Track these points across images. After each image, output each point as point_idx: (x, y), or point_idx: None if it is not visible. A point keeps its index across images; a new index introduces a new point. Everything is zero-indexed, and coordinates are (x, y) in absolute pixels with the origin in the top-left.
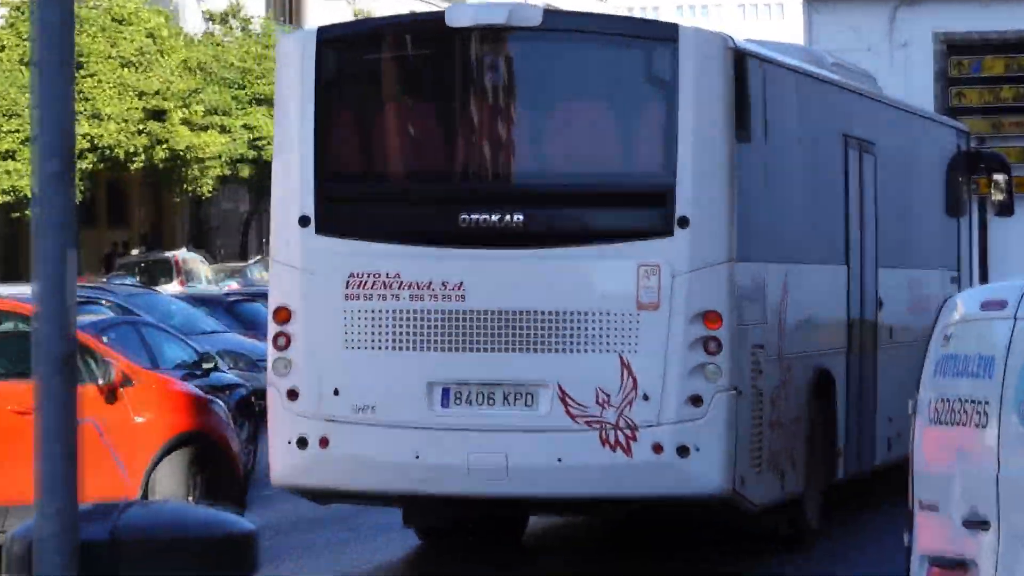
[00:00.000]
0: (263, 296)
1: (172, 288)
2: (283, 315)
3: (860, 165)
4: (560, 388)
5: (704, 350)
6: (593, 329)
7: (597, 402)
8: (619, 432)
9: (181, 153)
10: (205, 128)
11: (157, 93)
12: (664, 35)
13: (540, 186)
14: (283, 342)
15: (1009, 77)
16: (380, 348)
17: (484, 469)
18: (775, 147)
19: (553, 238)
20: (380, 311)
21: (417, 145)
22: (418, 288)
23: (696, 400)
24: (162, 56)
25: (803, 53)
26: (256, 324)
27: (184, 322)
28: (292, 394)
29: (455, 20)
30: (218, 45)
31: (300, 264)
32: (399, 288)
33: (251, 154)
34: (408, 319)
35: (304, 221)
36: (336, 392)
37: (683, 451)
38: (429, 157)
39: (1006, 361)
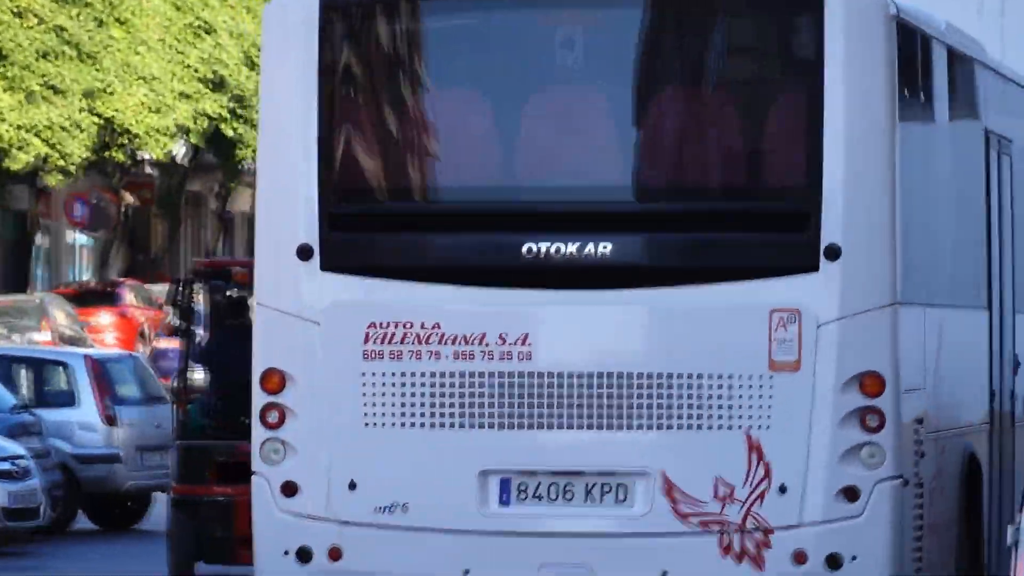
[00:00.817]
0: None
1: None
2: (274, 381)
3: (1000, 173)
4: (665, 478)
5: (861, 426)
6: (709, 398)
7: (716, 496)
8: (747, 536)
9: None
10: None
11: None
12: (804, 1)
13: (634, 206)
14: (275, 417)
15: None
16: (413, 425)
17: None
18: (931, 155)
19: (652, 275)
20: (413, 374)
21: (461, 150)
22: (466, 343)
23: (851, 493)
24: None
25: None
26: None
27: None
28: (289, 488)
29: None
30: None
31: (299, 311)
32: (439, 343)
33: None
34: (452, 385)
35: (305, 253)
36: (352, 486)
37: (833, 562)
38: (479, 165)
39: None
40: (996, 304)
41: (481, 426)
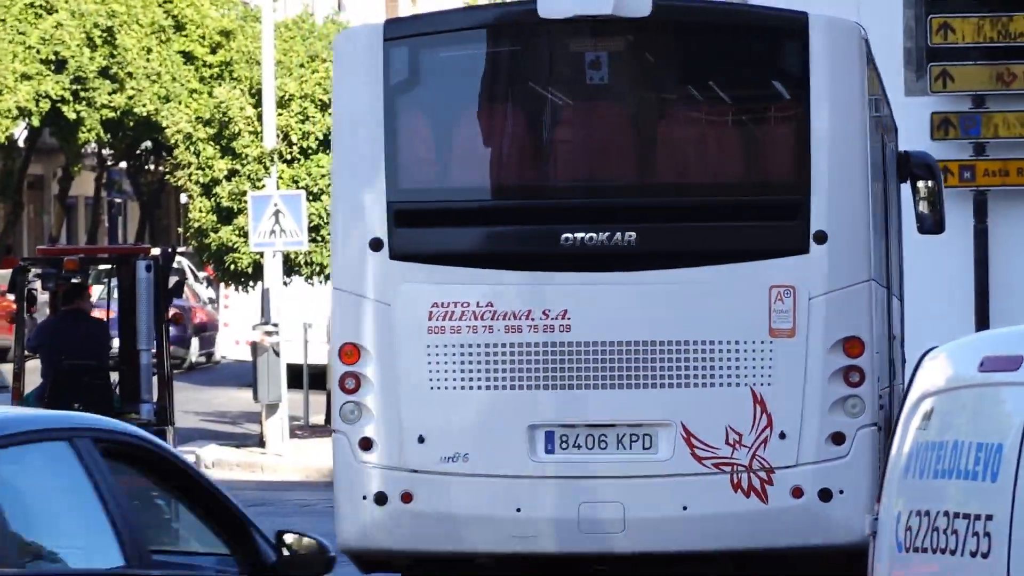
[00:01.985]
0: None
1: None
2: (352, 353)
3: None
4: (684, 428)
5: (845, 381)
6: (720, 360)
7: (727, 442)
8: (753, 475)
9: None
10: None
11: None
12: (792, 26)
13: (654, 200)
14: (352, 384)
15: None
16: (471, 388)
17: (598, 521)
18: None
19: (670, 258)
20: (470, 345)
21: (507, 155)
22: (515, 318)
23: (838, 438)
24: None
25: None
26: None
27: None
28: (366, 443)
29: (550, 11)
30: None
31: (372, 294)
32: (492, 319)
33: None
34: (504, 354)
35: (376, 244)
36: (421, 439)
37: (825, 495)
38: (522, 168)
39: (1021, 452)
40: (897, 290)
41: (529, 388)
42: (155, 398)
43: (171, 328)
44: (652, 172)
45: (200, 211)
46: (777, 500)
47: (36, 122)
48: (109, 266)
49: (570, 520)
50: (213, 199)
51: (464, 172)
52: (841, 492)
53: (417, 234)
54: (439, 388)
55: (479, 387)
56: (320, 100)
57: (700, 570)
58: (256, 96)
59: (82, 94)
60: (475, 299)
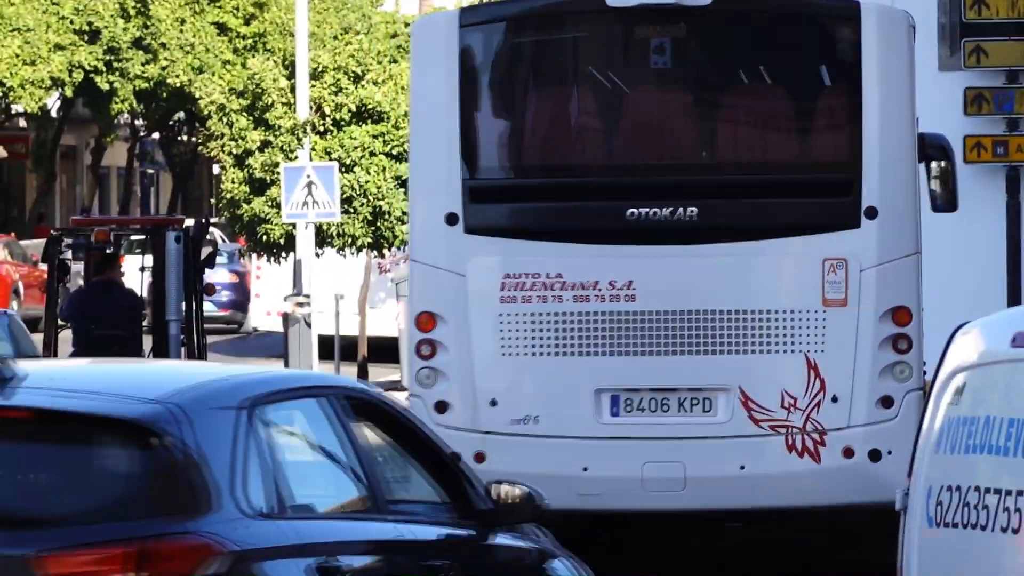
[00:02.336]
0: None
1: None
2: (428, 321)
3: None
4: (742, 391)
5: (894, 348)
6: (776, 328)
7: (782, 406)
8: (807, 437)
9: None
10: None
11: None
12: (845, 13)
13: (714, 177)
14: (428, 350)
15: None
16: (541, 354)
17: (660, 480)
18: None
19: (729, 232)
20: (540, 314)
21: (575, 135)
22: (582, 289)
23: (887, 401)
24: None
25: None
26: None
27: None
28: (441, 406)
29: (619, 0)
30: None
31: (448, 266)
32: (561, 289)
33: None
34: (572, 322)
35: (451, 219)
36: (493, 403)
37: (875, 455)
38: (590, 147)
39: None
40: None
41: (595, 354)
42: None
43: (213, 297)
44: (712, 151)
45: (233, 182)
46: (829, 460)
47: (69, 92)
48: (141, 237)
49: (634, 479)
50: (246, 170)
51: (534, 151)
52: (889, 452)
53: (490, 209)
54: (510, 355)
55: (548, 353)
56: (353, 72)
57: (756, 526)
58: (289, 68)
59: (115, 65)
60: (545, 270)
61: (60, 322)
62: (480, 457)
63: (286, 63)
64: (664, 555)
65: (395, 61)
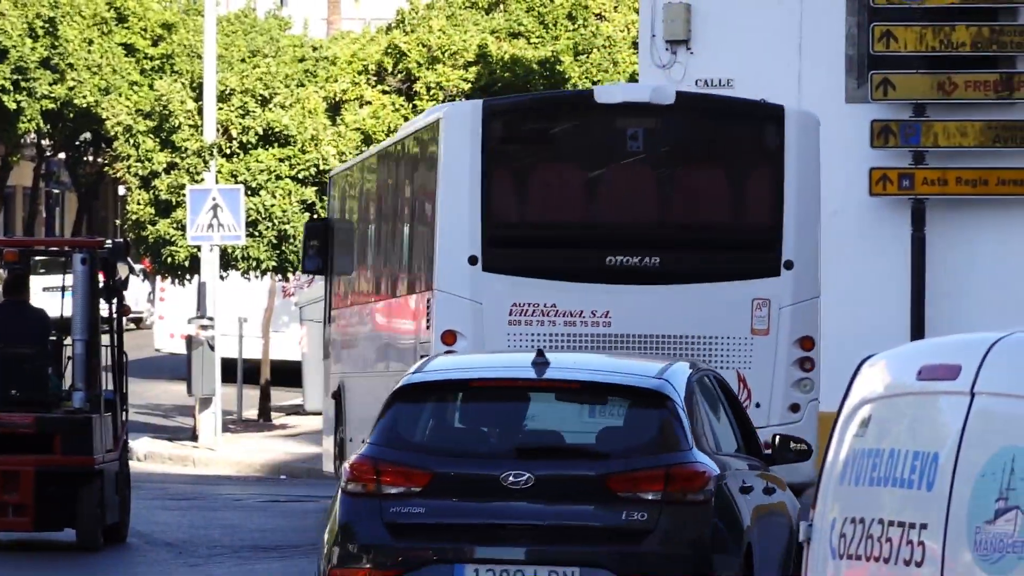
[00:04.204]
0: None
1: None
2: (450, 337)
3: None
4: None
5: (801, 368)
6: (715, 350)
7: None
8: None
9: None
10: None
11: None
12: (773, 113)
13: (672, 234)
14: None
15: (967, 9)
16: None
17: None
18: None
19: (682, 276)
20: (539, 335)
21: (569, 198)
22: (571, 316)
23: (795, 407)
24: None
25: None
26: None
27: None
28: None
29: (604, 97)
30: None
31: (468, 295)
32: (555, 316)
33: None
34: (563, 341)
35: (473, 260)
36: None
37: None
38: (578, 208)
39: (956, 462)
40: None
41: None
42: (95, 387)
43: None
44: (670, 214)
45: (138, 203)
46: None
47: None
48: (49, 257)
49: None
50: (152, 192)
51: (536, 210)
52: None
53: (502, 253)
54: None
55: None
56: (261, 95)
57: None
58: (197, 90)
59: (22, 84)
60: (543, 301)
61: None
62: None
63: (193, 85)
64: None
65: (302, 85)
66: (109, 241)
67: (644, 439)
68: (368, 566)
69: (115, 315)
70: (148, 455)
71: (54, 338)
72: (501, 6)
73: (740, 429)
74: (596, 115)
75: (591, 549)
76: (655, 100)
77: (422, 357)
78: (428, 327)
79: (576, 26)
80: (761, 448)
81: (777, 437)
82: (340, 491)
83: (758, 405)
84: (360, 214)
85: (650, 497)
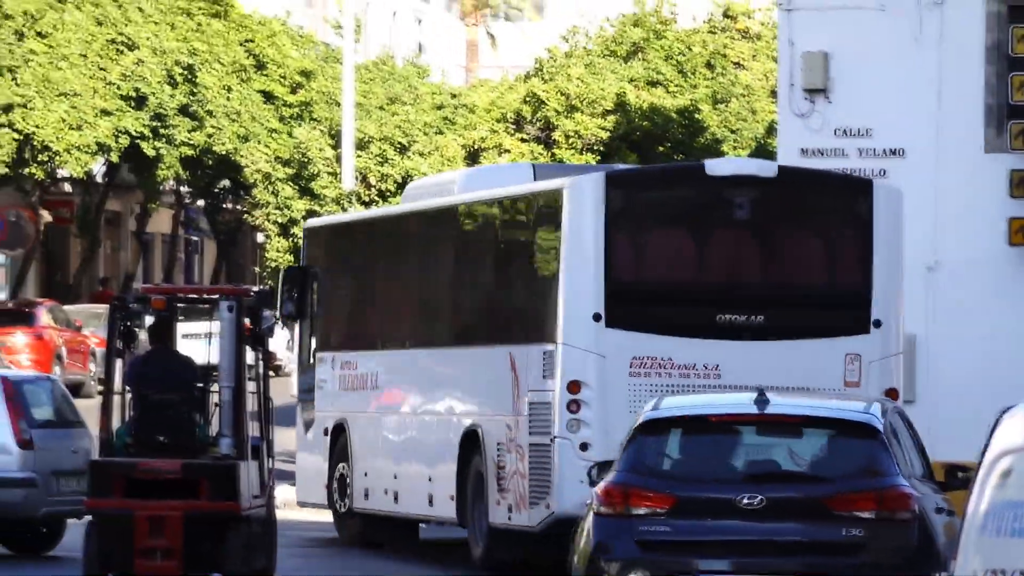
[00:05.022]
0: None
1: None
2: (576, 387)
3: None
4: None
5: None
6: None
7: None
8: None
9: None
10: None
11: None
12: (862, 187)
13: (774, 294)
14: (575, 407)
15: None
16: None
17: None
18: None
19: (784, 332)
20: (657, 385)
21: (682, 261)
22: (685, 368)
23: None
24: None
25: None
26: None
27: None
28: (584, 446)
29: (715, 170)
30: None
31: (593, 349)
32: (671, 368)
33: None
34: (678, 391)
35: (597, 317)
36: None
37: None
38: (692, 270)
39: None
40: None
41: None
42: (241, 433)
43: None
44: (773, 276)
45: (277, 250)
46: None
47: (115, 158)
48: (202, 305)
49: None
50: (290, 239)
51: (654, 271)
52: None
53: (624, 311)
54: (636, 412)
55: None
56: (399, 143)
57: None
58: (335, 137)
59: (161, 131)
60: (660, 355)
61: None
62: None
63: (332, 133)
64: None
65: (440, 132)
66: (255, 289)
67: (856, 465)
68: None
69: (261, 362)
70: (286, 503)
71: (200, 385)
72: (640, 54)
73: (920, 457)
74: (707, 185)
75: (815, 560)
76: (760, 173)
77: (532, 405)
78: (545, 376)
79: (714, 75)
80: (934, 474)
81: (945, 465)
82: (593, 513)
83: None
84: (386, 266)
85: (865, 516)
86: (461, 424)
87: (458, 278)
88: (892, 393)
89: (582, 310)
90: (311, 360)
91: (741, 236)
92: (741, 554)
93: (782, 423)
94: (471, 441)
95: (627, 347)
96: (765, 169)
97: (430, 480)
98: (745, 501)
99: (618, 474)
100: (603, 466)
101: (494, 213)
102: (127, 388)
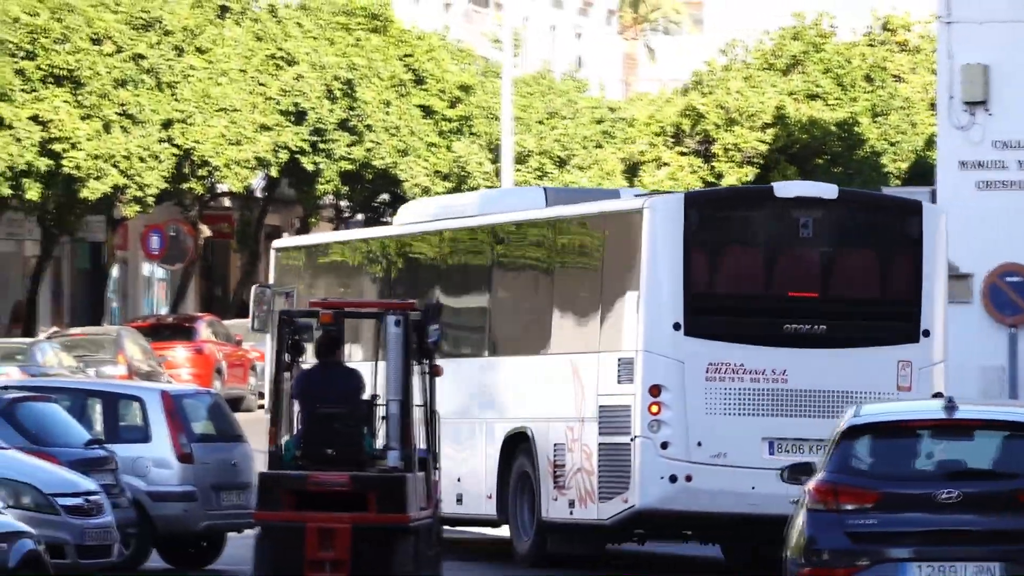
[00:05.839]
0: (62, 392)
1: None
2: (657, 390)
3: None
4: None
5: None
6: (870, 403)
7: None
8: None
9: None
10: None
11: None
12: (913, 208)
13: (835, 306)
14: (656, 409)
15: None
16: (730, 414)
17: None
18: None
19: (843, 341)
20: (730, 388)
21: (753, 274)
22: (756, 373)
23: None
24: None
25: None
26: (47, 435)
27: None
28: (664, 445)
29: (782, 192)
30: None
31: (673, 355)
32: (743, 373)
33: (44, 163)
34: (749, 394)
35: (677, 326)
36: (699, 444)
37: None
38: (762, 284)
39: None
40: None
41: (762, 415)
42: (409, 446)
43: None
44: (836, 290)
45: None
46: None
47: (275, 173)
48: (367, 320)
49: (784, 496)
50: None
51: (729, 284)
52: None
53: (702, 320)
54: (711, 413)
55: (735, 414)
56: (558, 156)
57: None
58: (494, 151)
59: (321, 146)
60: (734, 361)
61: (292, 399)
62: (689, 478)
63: (491, 147)
64: None
65: (599, 146)
66: (421, 303)
67: None
68: (833, 566)
69: (427, 375)
70: None
71: (367, 398)
72: (799, 67)
73: None
74: (775, 205)
75: (1008, 548)
76: (822, 194)
77: (602, 408)
78: (621, 381)
79: (873, 87)
80: None
81: None
82: (805, 510)
83: None
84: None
85: None
86: (504, 428)
87: (518, 292)
88: (938, 396)
89: (663, 320)
90: None
91: (805, 253)
92: (940, 543)
93: (968, 426)
94: (514, 443)
95: (703, 354)
96: (826, 191)
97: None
98: (943, 496)
99: (827, 474)
100: (796, 468)
101: (572, 229)
102: (295, 401)
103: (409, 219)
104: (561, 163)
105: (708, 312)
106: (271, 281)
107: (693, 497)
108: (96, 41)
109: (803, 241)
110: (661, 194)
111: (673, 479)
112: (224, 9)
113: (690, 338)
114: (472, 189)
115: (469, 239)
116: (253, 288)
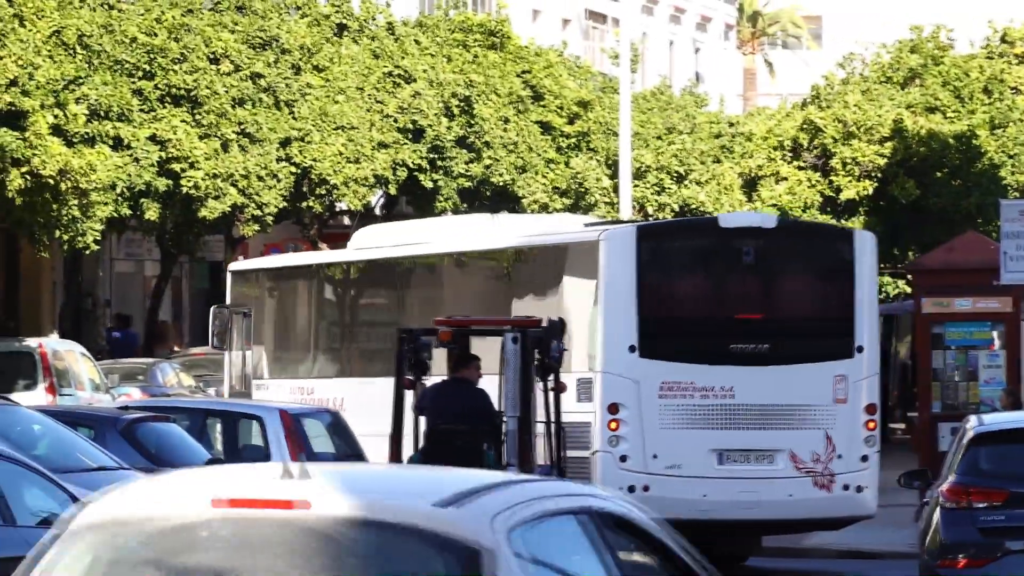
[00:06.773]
0: (181, 411)
1: (35, 397)
2: (615, 408)
3: None
4: (791, 452)
5: (867, 428)
6: (809, 415)
7: (812, 460)
8: (824, 478)
9: (50, 180)
10: (90, 141)
11: (13, 84)
12: (845, 235)
13: (777, 327)
14: (615, 425)
15: None
16: (682, 428)
17: (746, 503)
18: None
19: (784, 358)
20: (682, 405)
21: (702, 299)
22: (706, 390)
23: (864, 458)
24: (21, 25)
25: None
26: (167, 455)
27: (54, 452)
28: (623, 458)
29: (726, 223)
30: (111, 8)
31: (629, 375)
32: (694, 391)
33: (163, 183)
34: (699, 410)
35: (632, 349)
36: (655, 456)
37: (859, 489)
38: (710, 308)
39: None
40: None
41: (712, 428)
42: (529, 461)
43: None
44: (776, 311)
45: None
46: (836, 492)
47: (393, 190)
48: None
49: (732, 502)
50: None
51: (680, 308)
52: (867, 487)
53: (655, 342)
54: (665, 428)
55: (686, 428)
56: (676, 172)
57: (796, 530)
58: (612, 167)
59: (439, 163)
60: (685, 379)
61: (416, 414)
62: (646, 488)
63: (609, 162)
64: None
65: (718, 161)
66: (545, 320)
67: None
68: (966, 558)
69: (551, 392)
70: None
71: (492, 415)
72: (917, 80)
73: None
74: (718, 235)
75: None
76: (763, 224)
77: (606, 424)
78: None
79: (992, 100)
80: None
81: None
82: (939, 507)
83: (840, 456)
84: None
85: None
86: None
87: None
88: (871, 407)
89: (619, 343)
90: (243, 386)
91: (748, 278)
92: None
93: None
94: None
95: (657, 373)
96: (766, 221)
97: None
98: None
99: (959, 477)
100: (910, 475)
101: (533, 257)
102: (417, 418)
103: (364, 244)
104: (679, 178)
105: (661, 335)
106: (228, 302)
107: (650, 506)
108: (214, 60)
109: (746, 267)
110: (614, 225)
111: (631, 489)
112: (342, 27)
113: (644, 359)
114: (590, 205)
115: (425, 266)
116: (212, 308)
